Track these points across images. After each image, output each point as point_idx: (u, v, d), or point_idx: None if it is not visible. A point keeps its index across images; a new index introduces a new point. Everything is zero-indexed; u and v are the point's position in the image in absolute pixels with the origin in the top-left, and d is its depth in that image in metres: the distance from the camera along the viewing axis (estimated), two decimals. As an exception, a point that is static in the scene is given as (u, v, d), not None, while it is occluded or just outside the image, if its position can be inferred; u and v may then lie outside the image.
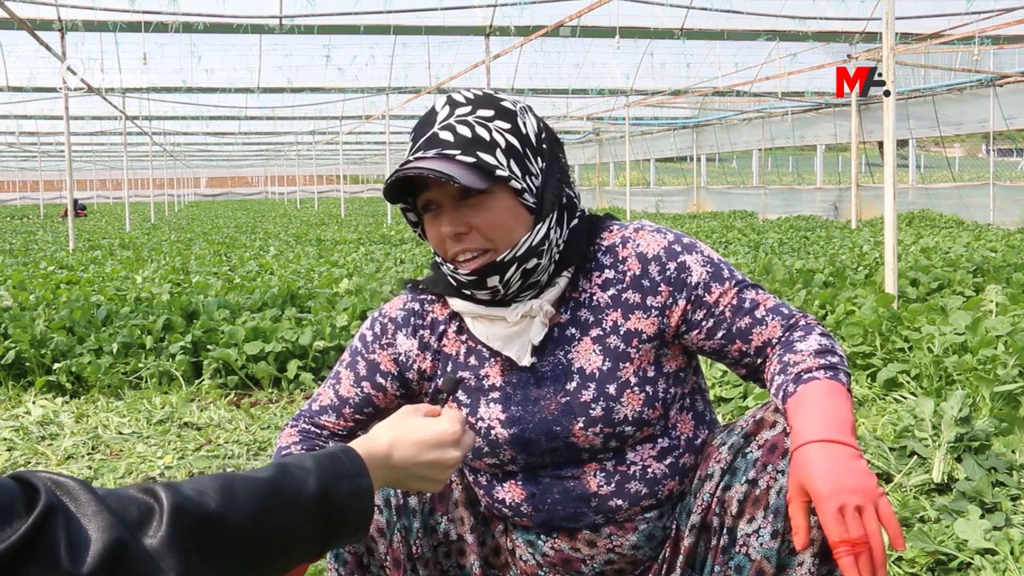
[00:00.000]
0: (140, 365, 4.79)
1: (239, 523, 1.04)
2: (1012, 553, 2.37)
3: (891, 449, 3.15)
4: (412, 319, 1.66)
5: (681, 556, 1.55)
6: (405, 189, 1.55)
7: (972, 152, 48.00)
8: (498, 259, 1.49)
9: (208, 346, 4.91)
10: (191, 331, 5.09)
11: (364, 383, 1.67)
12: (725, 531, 1.49)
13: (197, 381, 4.70)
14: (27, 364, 4.81)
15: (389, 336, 1.67)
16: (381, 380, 1.66)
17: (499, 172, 1.46)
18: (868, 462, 3.06)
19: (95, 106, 20.34)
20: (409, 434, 1.28)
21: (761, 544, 1.45)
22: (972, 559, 2.36)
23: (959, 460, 2.99)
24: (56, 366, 4.68)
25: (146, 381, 4.68)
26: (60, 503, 0.92)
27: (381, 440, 1.26)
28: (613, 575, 1.63)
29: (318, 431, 1.68)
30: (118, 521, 0.94)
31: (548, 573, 1.65)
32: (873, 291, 5.85)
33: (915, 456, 3.07)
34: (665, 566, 1.60)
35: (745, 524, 1.46)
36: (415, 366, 1.66)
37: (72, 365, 4.67)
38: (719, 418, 3.63)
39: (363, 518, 1.17)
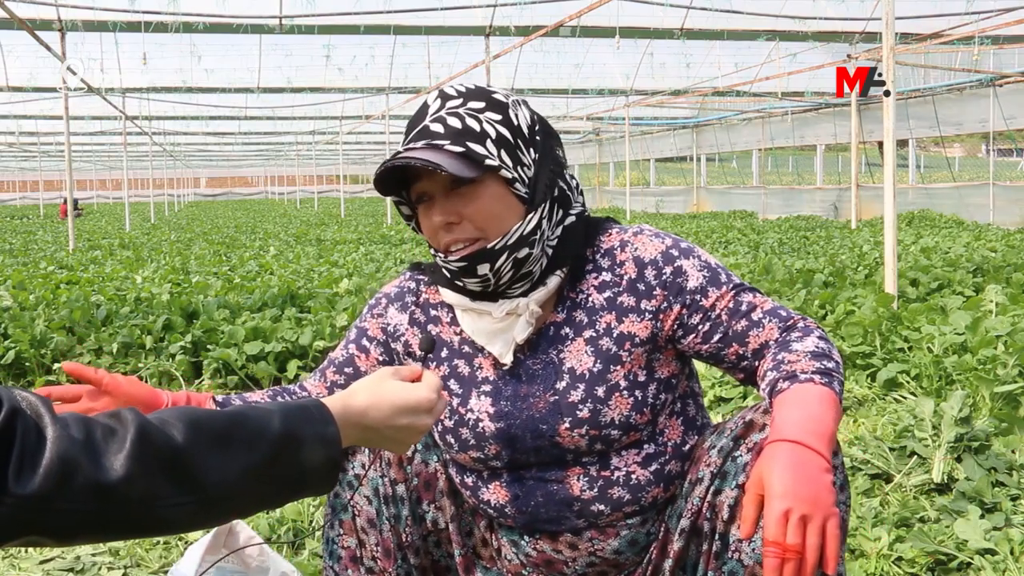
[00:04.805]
0: (140, 365, 4.79)
1: (203, 455, 1.05)
2: (1012, 553, 2.37)
3: (891, 449, 3.15)
4: (406, 296, 1.71)
5: (671, 560, 1.54)
6: (399, 182, 1.56)
7: (972, 152, 47.97)
8: (489, 246, 1.50)
9: (208, 346, 4.91)
10: (191, 331, 5.09)
11: (351, 345, 1.74)
12: (717, 536, 1.48)
13: (197, 381, 4.70)
14: (27, 364, 4.81)
15: (381, 308, 1.73)
16: (366, 343, 1.72)
17: (488, 161, 1.47)
18: (868, 462, 3.07)
19: (95, 106, 20.33)
20: (387, 397, 1.29)
21: (754, 550, 1.44)
22: (972, 559, 2.36)
23: (959, 460, 2.99)
24: (56, 366, 4.68)
25: (146, 381, 4.68)
26: (23, 412, 0.96)
27: (358, 399, 1.28)
28: None
29: (297, 391, 1.75)
30: (77, 441, 0.97)
31: (531, 573, 1.66)
32: (873, 291, 5.85)
33: (915, 456, 3.07)
34: (651, 568, 1.59)
35: (736, 530, 1.45)
36: (402, 339, 1.70)
37: (72, 365, 4.66)
38: (720, 418, 3.63)
39: (329, 465, 1.18)
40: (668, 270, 1.56)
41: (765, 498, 1.28)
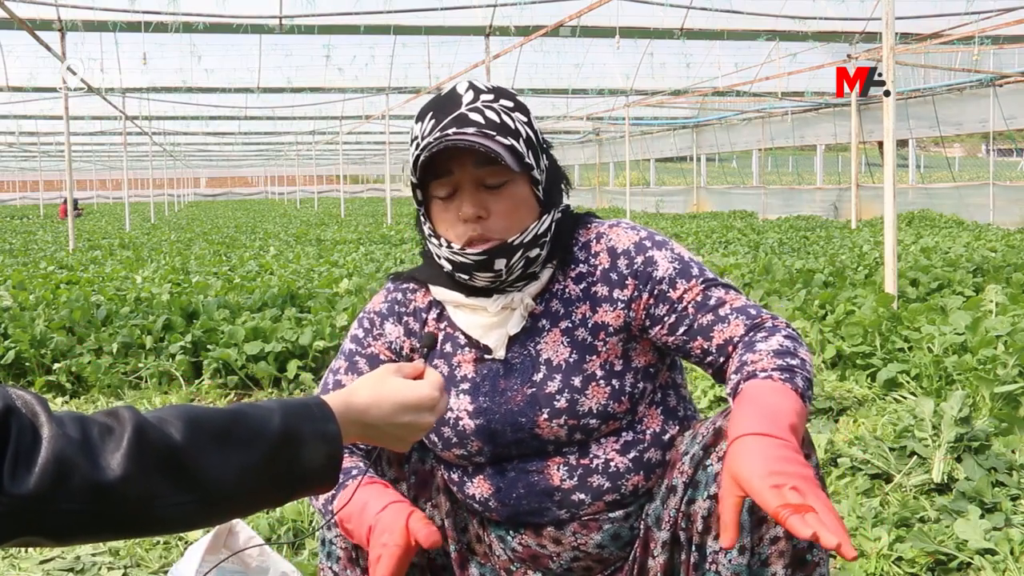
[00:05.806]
0: (140, 365, 4.79)
1: (201, 454, 1.04)
2: (1012, 553, 2.38)
3: (891, 449, 3.15)
4: (396, 308, 1.70)
5: (660, 573, 1.54)
6: (417, 167, 1.54)
7: (972, 152, 47.93)
8: (509, 240, 1.52)
9: (208, 346, 4.91)
10: (191, 331, 5.09)
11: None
12: (694, 547, 1.48)
13: (197, 381, 4.70)
14: (27, 364, 4.81)
15: (378, 328, 1.70)
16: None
17: (527, 159, 1.50)
18: (868, 462, 3.07)
19: (95, 106, 20.32)
20: (389, 395, 1.28)
21: (730, 560, 1.44)
22: (972, 559, 2.36)
23: (959, 460, 3.00)
24: (56, 366, 4.68)
25: (146, 381, 4.68)
26: (18, 411, 0.95)
27: (360, 396, 1.27)
28: (581, 572, 1.64)
29: None
30: (73, 440, 0.95)
31: (519, 568, 1.67)
32: (873, 291, 5.85)
33: (915, 456, 3.07)
34: (636, 566, 1.59)
35: (712, 541, 1.45)
36: (403, 352, 1.70)
37: (72, 365, 4.67)
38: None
39: (329, 463, 1.16)
40: (639, 259, 1.58)
41: (747, 489, 1.21)
